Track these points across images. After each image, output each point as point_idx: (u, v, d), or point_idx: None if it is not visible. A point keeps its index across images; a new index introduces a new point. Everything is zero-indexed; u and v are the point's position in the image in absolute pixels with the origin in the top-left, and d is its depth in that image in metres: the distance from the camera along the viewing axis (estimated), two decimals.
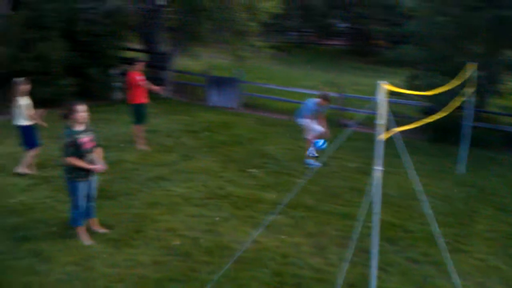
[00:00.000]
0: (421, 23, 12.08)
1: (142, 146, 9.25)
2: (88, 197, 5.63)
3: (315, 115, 8.94)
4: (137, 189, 7.28)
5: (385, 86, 4.39)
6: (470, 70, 8.69)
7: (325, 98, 8.85)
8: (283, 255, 5.56)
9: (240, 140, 10.35)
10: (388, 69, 21.27)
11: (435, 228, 5.18)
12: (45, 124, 7.66)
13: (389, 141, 4.49)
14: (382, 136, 4.29)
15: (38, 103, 7.91)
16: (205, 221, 6.32)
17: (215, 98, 14.22)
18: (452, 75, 8.75)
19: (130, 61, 9.34)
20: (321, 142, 8.91)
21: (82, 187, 5.47)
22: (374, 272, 4.34)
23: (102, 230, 5.85)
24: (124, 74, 13.17)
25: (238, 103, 14.04)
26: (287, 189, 7.53)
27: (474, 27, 11.06)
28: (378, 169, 4.28)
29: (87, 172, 5.48)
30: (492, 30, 11.01)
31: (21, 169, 7.60)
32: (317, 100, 8.87)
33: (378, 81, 4.43)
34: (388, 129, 4.49)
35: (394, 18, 25.88)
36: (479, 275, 5.48)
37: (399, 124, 4.86)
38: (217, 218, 6.42)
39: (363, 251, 5.55)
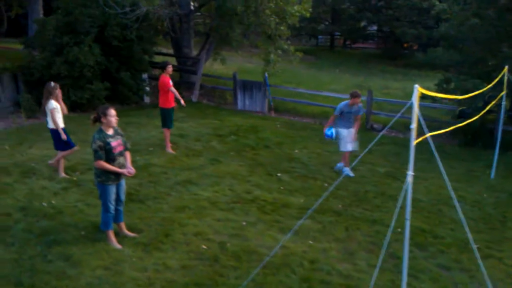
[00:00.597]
0: (453, 25, 11.85)
1: (170, 150, 9.34)
2: (117, 201, 5.71)
3: (347, 117, 8.47)
4: (165, 193, 7.34)
5: (420, 90, 4.32)
6: (503, 73, 8.48)
7: (354, 95, 8.33)
8: (311, 260, 5.51)
9: (268, 144, 10.33)
10: (418, 72, 20.97)
11: (466, 234, 5.05)
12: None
13: (419, 146, 4.39)
14: (415, 140, 4.20)
15: (72, 106, 8.05)
16: (232, 226, 6.32)
17: (244, 102, 14.25)
18: (485, 78, 8.55)
19: (162, 65, 9.43)
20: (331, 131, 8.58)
21: (111, 190, 5.54)
22: (404, 278, 4.25)
23: (131, 234, 5.91)
24: (154, 78, 13.34)
25: (266, 107, 14.04)
26: (315, 194, 7.48)
27: (508, 29, 10.79)
28: (410, 174, 4.19)
29: (117, 176, 5.55)
30: None
31: (59, 173, 7.76)
32: (348, 101, 8.47)
33: (415, 85, 4.35)
34: (419, 133, 4.41)
35: (426, 21, 25.54)
36: (506, 281, 5.33)
37: (430, 128, 4.75)
38: (244, 223, 6.42)
39: (393, 257, 5.46)
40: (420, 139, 4.37)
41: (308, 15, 14.64)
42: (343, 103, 8.57)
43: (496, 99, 8.79)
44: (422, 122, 4.24)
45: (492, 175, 8.81)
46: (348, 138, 8.50)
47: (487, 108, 8.78)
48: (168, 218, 6.45)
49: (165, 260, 5.37)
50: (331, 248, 5.86)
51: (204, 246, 5.72)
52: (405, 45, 28.85)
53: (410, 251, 5.17)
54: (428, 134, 4.55)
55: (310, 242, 5.97)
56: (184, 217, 6.50)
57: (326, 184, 8.00)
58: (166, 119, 9.35)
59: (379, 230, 6.30)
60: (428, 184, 8.05)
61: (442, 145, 10.42)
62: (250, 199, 7.25)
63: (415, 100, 4.22)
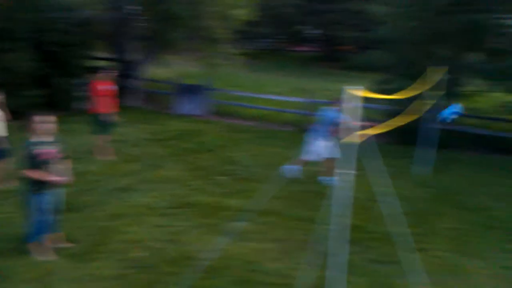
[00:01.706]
0: (390, 28, 12.25)
1: (106, 156, 9.10)
2: (52, 211, 5.50)
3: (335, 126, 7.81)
4: (103, 200, 7.16)
5: (352, 91, 4.45)
6: (438, 74, 8.87)
7: (337, 99, 7.67)
8: (249, 262, 5.54)
9: (210, 148, 10.30)
10: (357, 74, 21.53)
11: (398, 229, 5.25)
12: None
13: (360, 145, 4.54)
14: (350, 139, 4.33)
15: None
16: (172, 231, 6.25)
17: (184, 106, 14.15)
18: (420, 79, 8.91)
19: (95, 70, 9.23)
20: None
21: (40, 200, 5.33)
22: (337, 274, 4.35)
23: (66, 245, 5.71)
24: (88, 83, 12.96)
25: (208, 110, 14.00)
26: (255, 196, 7.52)
27: (443, 32, 11.28)
28: (346, 173, 4.31)
29: (46, 185, 5.34)
30: (460, 34, 11.26)
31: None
32: (335, 108, 7.95)
33: (344, 86, 4.47)
34: (356, 132, 4.55)
35: (365, 24, 26.27)
36: (440, 273, 5.58)
37: (367, 128, 4.93)
38: (184, 228, 6.36)
39: (328, 254, 5.57)
40: (355, 138, 4.51)
41: (250, 19, 14.72)
42: (331, 112, 8.20)
43: (431, 100, 9.18)
44: (358, 122, 4.38)
45: (424, 171, 9.19)
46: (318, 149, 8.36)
47: (423, 107, 9.14)
48: (106, 226, 6.29)
49: (101, 270, 5.23)
50: (269, 248, 5.92)
51: (142, 254, 5.62)
52: (345, 48, 29.56)
53: (345, 247, 5.28)
54: (363, 133, 4.71)
55: (249, 244, 6.00)
56: (122, 224, 6.36)
57: (266, 186, 8.06)
58: (97, 125, 9.12)
59: (317, 229, 6.40)
60: (362, 181, 8.26)
61: (377, 144, 10.73)
62: (190, 203, 7.20)
63: (347, 101, 4.35)
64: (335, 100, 7.94)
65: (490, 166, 10.29)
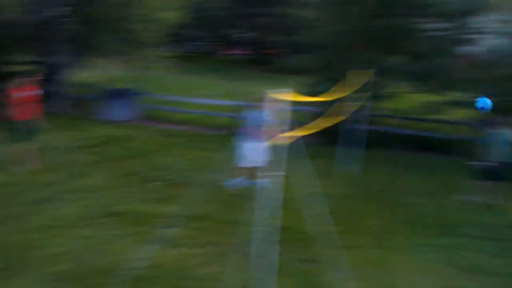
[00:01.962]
0: (317, 32, 12.58)
1: (28, 165, 8.69)
2: None
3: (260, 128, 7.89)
4: (26, 212, 6.84)
5: (277, 94, 4.54)
6: (364, 76, 9.23)
7: (260, 101, 7.53)
8: (181, 268, 5.50)
9: (139, 154, 10.12)
10: (287, 77, 21.88)
11: (326, 228, 5.41)
12: None
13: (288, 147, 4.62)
14: (278, 141, 4.40)
15: None
16: (99, 241, 6.08)
17: (113, 111, 13.79)
18: (346, 81, 9.22)
19: (16, 75, 8.79)
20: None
21: None
22: (267, 276, 4.41)
23: None
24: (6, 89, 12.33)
25: (138, 115, 13.74)
26: (188, 201, 7.46)
27: (367, 36, 11.72)
28: (275, 174, 4.38)
29: None
30: (383, 38, 11.75)
31: None
32: (257, 109, 7.96)
33: (267, 90, 4.55)
34: (283, 134, 4.65)
35: (293, 28, 26.77)
36: (365, 268, 5.82)
37: (296, 130, 5.04)
38: (113, 237, 6.21)
39: (257, 256, 5.64)
40: (282, 139, 4.60)
41: (181, 21, 14.59)
42: (252, 111, 8.22)
43: (359, 101, 9.54)
44: (286, 124, 4.47)
45: (351, 170, 9.54)
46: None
47: (350, 109, 9.48)
48: (29, 239, 6.01)
49: (24, 286, 5.00)
50: (202, 253, 5.91)
51: (67, 266, 5.43)
52: (276, 51, 29.93)
53: (274, 248, 5.38)
54: (290, 134, 4.80)
55: (181, 250, 5.96)
56: (47, 237, 6.10)
57: (198, 190, 8.03)
58: (18, 132, 8.70)
59: (247, 231, 6.46)
60: (291, 182, 8.43)
61: (304, 145, 10.99)
62: (120, 211, 7.04)
63: (269, 103, 4.43)
64: (257, 102, 7.94)
65: (414, 164, 10.82)
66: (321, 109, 11.79)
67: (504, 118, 8.29)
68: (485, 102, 8.11)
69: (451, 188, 8.96)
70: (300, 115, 12.65)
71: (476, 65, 12.70)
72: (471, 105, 12.87)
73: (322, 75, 12.46)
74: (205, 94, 15.68)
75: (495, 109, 9.17)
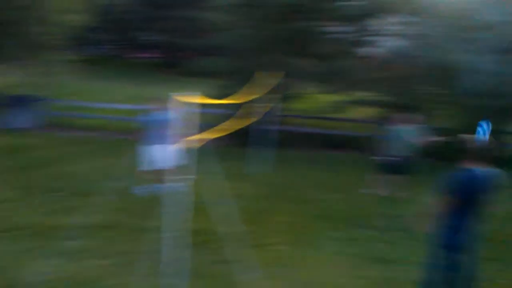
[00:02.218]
0: (227, 35, 12.64)
1: None
2: None
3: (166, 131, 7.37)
4: None
5: (184, 97, 4.48)
6: (273, 78, 9.40)
7: (166, 104, 7.24)
8: (87, 281, 5.25)
9: (43, 163, 9.56)
10: (198, 79, 21.78)
11: (238, 228, 5.43)
12: None
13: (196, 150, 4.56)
14: (188, 144, 4.34)
15: None
16: (0, 256, 5.66)
17: (13, 119, 12.93)
18: (256, 83, 9.34)
19: None
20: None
21: None
22: (179, 281, 4.34)
23: None
24: None
25: (41, 123, 12.99)
26: (94, 210, 7.16)
27: (275, 39, 11.95)
28: (185, 178, 4.32)
29: None
30: (290, 40, 12.05)
31: None
32: (161, 112, 7.95)
33: (173, 93, 4.46)
34: (193, 137, 4.58)
35: (204, 31, 26.71)
36: (277, 266, 5.92)
37: (206, 132, 5.01)
38: (9, 253, 5.79)
39: (172, 261, 5.54)
40: (193, 142, 4.54)
41: (87, 24, 13.99)
42: (156, 113, 8.10)
43: (269, 103, 9.69)
44: (194, 127, 4.41)
45: (262, 170, 9.68)
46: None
47: (259, 110, 9.60)
48: None
49: None
50: (110, 264, 5.68)
51: None
52: (186, 54, 29.72)
53: (186, 253, 5.32)
54: (200, 137, 4.76)
55: (89, 261, 5.69)
56: None
57: (104, 199, 7.73)
58: None
59: (158, 237, 6.32)
60: (203, 185, 8.40)
61: (217, 147, 10.99)
62: (19, 225, 6.59)
63: (176, 107, 4.37)
64: (163, 105, 7.78)
65: (321, 161, 11.21)
66: (232, 111, 11.87)
67: (402, 115, 8.79)
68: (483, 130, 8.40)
69: (358, 183, 9.36)
70: (210, 118, 12.65)
71: (377, 65, 13.43)
72: (373, 103, 13.68)
73: (233, 78, 12.53)
74: (111, 99, 15.20)
75: (395, 106, 9.79)
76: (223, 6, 13.25)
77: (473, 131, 5.26)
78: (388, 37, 13.82)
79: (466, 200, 4.66)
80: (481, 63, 10.90)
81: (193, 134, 4.76)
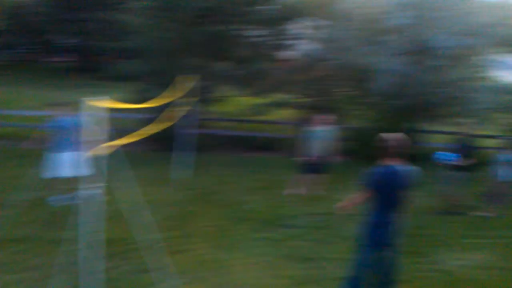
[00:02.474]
0: (144, 38, 12.36)
1: None
2: None
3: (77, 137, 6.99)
4: None
5: (95, 102, 4.29)
6: (191, 81, 9.29)
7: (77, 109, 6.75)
8: None
9: None
10: (115, 83, 21.17)
11: (159, 235, 5.29)
12: None
13: (109, 156, 4.36)
14: (98, 151, 4.15)
15: None
16: None
17: None
18: (174, 87, 9.18)
19: None
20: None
21: None
22: None
23: None
24: None
25: None
26: (4, 223, 6.70)
27: (192, 42, 11.83)
28: (96, 186, 4.13)
29: None
30: (208, 44, 11.98)
31: None
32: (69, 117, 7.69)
33: (84, 99, 4.27)
34: (104, 144, 4.39)
35: (120, 34, 25.92)
36: (201, 270, 5.85)
37: (121, 138, 4.81)
38: None
39: (88, 272, 5.29)
40: (103, 149, 4.34)
41: None
42: (64, 119, 7.77)
43: (188, 106, 9.55)
44: (105, 132, 4.23)
45: (183, 175, 9.56)
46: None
47: (178, 114, 9.44)
48: None
49: None
50: (22, 279, 5.33)
51: None
52: (103, 58, 28.76)
53: (100, 263, 5.13)
54: (112, 143, 4.57)
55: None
56: None
57: (16, 211, 7.25)
58: None
59: (75, 248, 6.02)
60: (122, 192, 8.13)
61: (136, 153, 10.77)
62: None
63: (88, 112, 4.18)
64: (74, 110, 7.52)
65: (244, 164, 11.22)
66: (151, 116, 11.63)
67: (320, 116, 9.02)
68: (447, 156, 8.61)
69: (280, 184, 9.49)
70: (127, 122, 12.31)
71: (294, 68, 13.74)
72: (292, 105, 13.97)
73: (151, 81, 12.28)
74: (23, 105, 14.34)
75: (313, 108, 10.02)
76: (139, 9, 12.94)
77: (388, 130, 5.49)
78: (303, 40, 14.19)
79: (385, 196, 4.88)
80: (390, 65, 11.46)
81: (104, 139, 4.57)
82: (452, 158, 8.30)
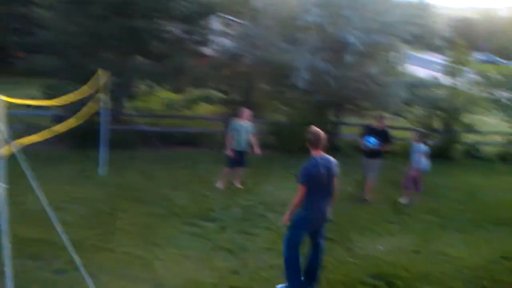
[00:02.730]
0: (53, 32, 11.75)
1: None
2: None
3: None
4: None
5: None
6: (103, 77, 8.93)
7: None
8: None
9: None
10: (25, 79, 19.99)
11: (80, 233, 5.02)
12: None
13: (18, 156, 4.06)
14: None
15: None
16: None
17: None
18: (87, 82, 8.77)
19: None
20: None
21: None
22: None
23: None
24: None
25: None
26: None
27: (103, 36, 11.39)
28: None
29: None
30: (123, 38, 11.59)
31: None
32: None
33: None
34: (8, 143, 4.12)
35: (30, 28, 24.46)
36: (124, 268, 5.65)
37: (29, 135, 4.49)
38: None
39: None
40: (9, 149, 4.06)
41: None
42: None
43: (100, 102, 9.17)
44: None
45: (102, 172, 9.22)
46: None
47: (91, 110, 9.05)
48: None
49: None
50: None
51: None
52: (11, 53, 27.05)
53: (22, 264, 4.79)
54: (18, 142, 4.28)
55: None
56: None
57: None
58: None
59: None
60: (36, 192, 7.69)
61: (50, 151, 10.23)
62: None
63: None
64: None
65: (164, 160, 10.96)
66: (63, 113, 11.07)
67: (242, 111, 9.05)
68: (371, 140, 8.78)
69: (205, 178, 9.43)
70: (38, 120, 11.63)
71: (214, 64, 13.72)
72: (215, 101, 13.94)
73: (64, 77, 11.69)
74: None
75: (235, 103, 9.99)
76: (50, 2, 12.27)
77: (308, 124, 5.63)
78: (221, 37, 14.22)
79: (317, 186, 5.04)
80: (307, 62, 11.76)
81: (4, 138, 4.27)
82: (373, 143, 8.66)
